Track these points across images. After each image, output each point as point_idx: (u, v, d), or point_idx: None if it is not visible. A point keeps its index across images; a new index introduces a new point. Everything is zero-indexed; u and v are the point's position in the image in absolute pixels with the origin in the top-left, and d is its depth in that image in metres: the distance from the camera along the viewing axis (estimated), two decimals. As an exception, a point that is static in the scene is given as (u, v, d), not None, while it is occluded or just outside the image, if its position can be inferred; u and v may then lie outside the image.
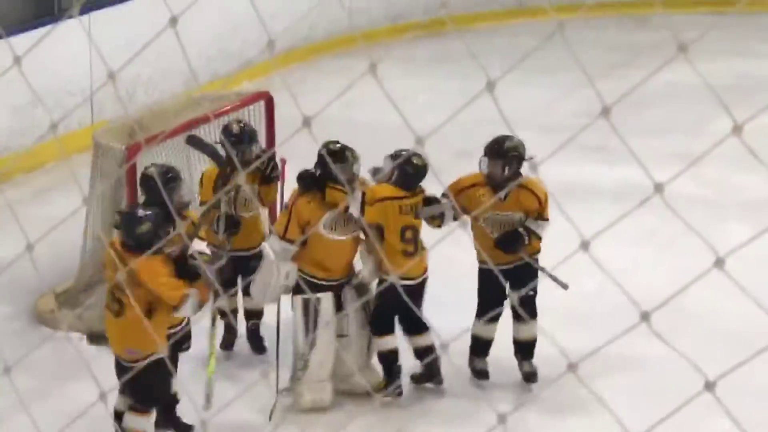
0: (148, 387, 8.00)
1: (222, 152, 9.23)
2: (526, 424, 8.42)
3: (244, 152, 9.39)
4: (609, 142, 3.11)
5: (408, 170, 8.85)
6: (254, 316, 9.82)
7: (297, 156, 8.73)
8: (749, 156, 3.52)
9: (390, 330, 8.98)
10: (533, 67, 12.47)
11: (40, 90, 12.12)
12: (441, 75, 14.52)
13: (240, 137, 9.49)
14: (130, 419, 8.21)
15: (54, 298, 10.34)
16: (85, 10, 12.66)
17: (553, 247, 7.65)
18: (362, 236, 8.99)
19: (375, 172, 9.00)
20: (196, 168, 10.45)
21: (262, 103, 10.99)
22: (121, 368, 8.02)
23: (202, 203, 9.51)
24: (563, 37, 3.08)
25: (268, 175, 9.48)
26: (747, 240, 3.10)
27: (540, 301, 8.82)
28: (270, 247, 8.92)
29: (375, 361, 9.09)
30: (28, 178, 12.60)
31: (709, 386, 2.83)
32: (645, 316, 2.84)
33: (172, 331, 8.32)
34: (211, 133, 10.34)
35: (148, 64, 13.08)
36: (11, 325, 10.10)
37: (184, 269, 8.00)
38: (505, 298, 8.85)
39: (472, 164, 8.91)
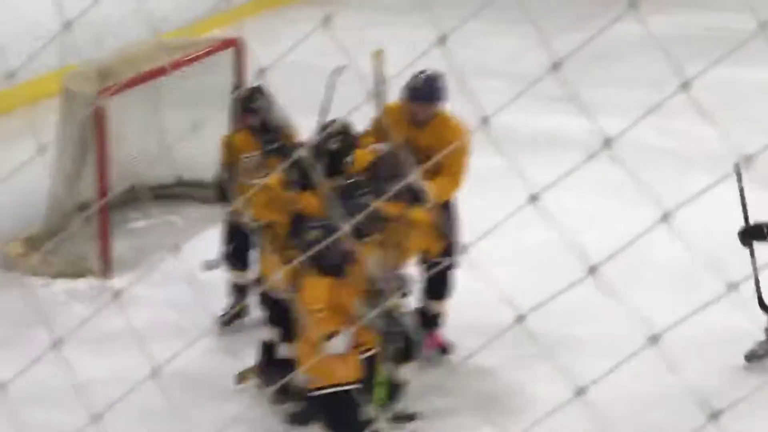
0: None
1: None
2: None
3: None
4: (582, 92, 3.13)
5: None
6: None
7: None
8: (718, 107, 3.56)
9: None
10: (508, 17, 12.47)
11: (7, 35, 12.12)
12: (415, 23, 14.51)
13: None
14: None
15: (22, 243, 10.34)
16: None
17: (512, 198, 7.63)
18: None
19: None
20: (165, 116, 10.45)
21: (231, 51, 10.99)
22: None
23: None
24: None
25: None
26: (701, 190, 3.10)
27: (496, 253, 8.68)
28: None
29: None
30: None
31: (654, 339, 2.84)
32: (592, 270, 2.84)
33: None
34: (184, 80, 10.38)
35: (118, 8, 13.03)
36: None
37: None
38: None
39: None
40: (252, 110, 8.94)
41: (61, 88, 10.30)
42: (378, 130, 8.47)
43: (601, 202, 10.51)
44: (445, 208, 8.42)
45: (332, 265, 7.21)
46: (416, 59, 3.43)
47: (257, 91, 8.89)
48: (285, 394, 8.07)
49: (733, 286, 2.82)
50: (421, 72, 8.39)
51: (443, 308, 8.82)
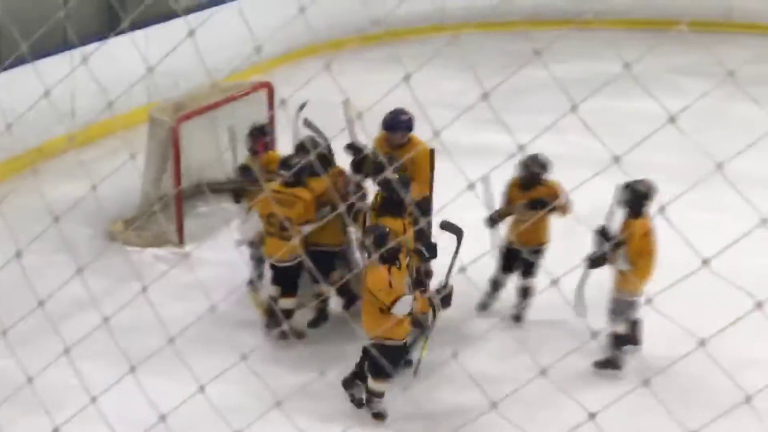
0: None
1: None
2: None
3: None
4: (504, 118, 3.14)
5: None
6: None
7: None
8: (598, 126, 3.54)
9: None
10: (455, 65, 12.41)
11: (110, 78, 12.08)
12: (391, 71, 14.52)
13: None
14: None
15: (122, 223, 10.32)
16: (142, 24, 12.61)
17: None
18: None
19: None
20: (219, 136, 10.40)
21: (265, 91, 10.98)
22: None
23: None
24: (459, 46, 3.05)
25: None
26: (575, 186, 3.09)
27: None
28: None
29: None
30: (105, 141, 12.49)
31: (594, 335, 2.81)
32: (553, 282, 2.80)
33: None
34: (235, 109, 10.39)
35: (188, 60, 12.96)
36: (92, 243, 10.05)
37: None
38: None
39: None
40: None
41: (149, 117, 10.30)
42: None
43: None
44: (423, 201, 8.39)
45: (390, 255, 7.05)
46: (386, 94, 3.40)
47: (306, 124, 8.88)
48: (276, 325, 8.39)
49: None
50: (394, 109, 8.39)
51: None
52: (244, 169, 8.82)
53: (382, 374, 7.26)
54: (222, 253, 9.46)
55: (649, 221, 7.53)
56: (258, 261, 9.02)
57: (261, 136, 9.04)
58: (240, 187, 8.80)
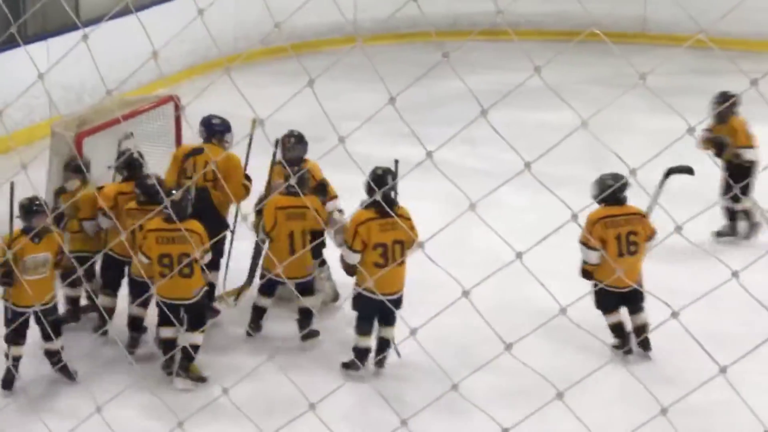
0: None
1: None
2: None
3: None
4: (418, 129, 3.16)
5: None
6: None
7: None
8: (512, 138, 3.58)
9: None
10: (368, 78, 12.44)
11: (12, 95, 11.92)
12: (301, 83, 14.49)
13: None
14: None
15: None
16: (45, 36, 12.45)
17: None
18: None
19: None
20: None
21: (171, 104, 10.91)
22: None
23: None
24: (367, 56, 3.06)
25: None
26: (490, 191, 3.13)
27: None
28: None
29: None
30: (6, 157, 12.29)
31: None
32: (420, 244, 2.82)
33: None
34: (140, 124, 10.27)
35: (91, 75, 12.84)
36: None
37: None
38: None
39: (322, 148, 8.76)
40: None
41: (51, 131, 10.16)
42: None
43: (433, 206, 10.57)
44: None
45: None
46: (284, 104, 3.42)
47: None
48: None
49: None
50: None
51: None
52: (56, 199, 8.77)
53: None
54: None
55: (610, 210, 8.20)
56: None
57: (73, 174, 8.80)
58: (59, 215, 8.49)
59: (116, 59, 11.13)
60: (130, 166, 8.70)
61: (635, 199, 8.11)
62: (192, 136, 9.17)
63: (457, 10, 18.14)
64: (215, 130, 8.89)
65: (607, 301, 8.18)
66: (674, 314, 2.58)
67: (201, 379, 8.03)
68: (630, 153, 3.58)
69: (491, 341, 3.20)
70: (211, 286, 8.65)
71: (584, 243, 8.03)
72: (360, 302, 7.92)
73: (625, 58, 13.10)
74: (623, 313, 8.24)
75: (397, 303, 7.84)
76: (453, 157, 10.24)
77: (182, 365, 7.95)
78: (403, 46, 17.15)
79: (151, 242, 7.81)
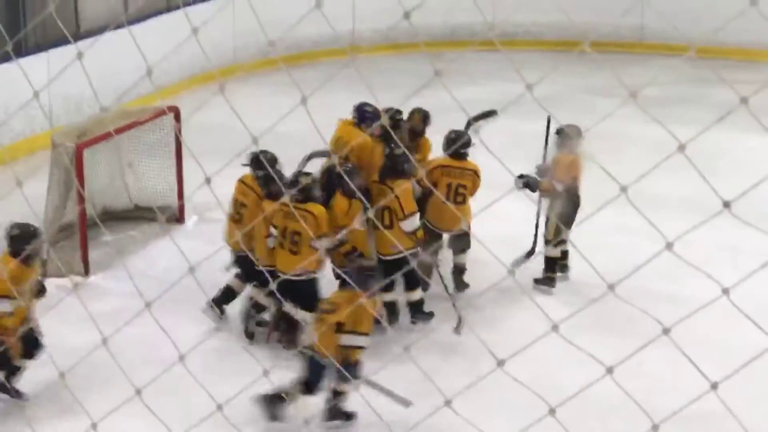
0: None
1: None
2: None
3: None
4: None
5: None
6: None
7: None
8: (500, 146, 3.63)
9: None
10: (362, 89, 12.42)
11: (13, 106, 11.97)
12: (298, 95, 14.44)
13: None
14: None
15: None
16: (45, 47, 12.52)
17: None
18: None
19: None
20: (124, 161, 10.35)
21: (172, 115, 10.90)
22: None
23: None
24: (357, 68, 3.10)
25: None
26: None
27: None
28: None
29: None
30: (7, 167, 12.33)
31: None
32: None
33: None
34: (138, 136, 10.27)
35: (91, 86, 12.86)
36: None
37: None
38: None
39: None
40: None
41: (51, 142, 10.16)
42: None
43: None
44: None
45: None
46: (283, 117, 3.45)
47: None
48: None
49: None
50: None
51: None
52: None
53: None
54: (126, 283, 9.32)
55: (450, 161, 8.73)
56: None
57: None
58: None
59: (116, 69, 11.19)
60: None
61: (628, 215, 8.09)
62: (192, 147, 9.18)
63: (456, 20, 18.20)
64: (365, 116, 9.21)
65: (432, 239, 8.81)
66: (665, 331, 2.60)
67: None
68: (628, 162, 3.62)
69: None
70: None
71: (417, 181, 8.57)
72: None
73: (620, 70, 13.12)
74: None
75: None
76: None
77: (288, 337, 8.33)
78: (402, 57, 17.20)
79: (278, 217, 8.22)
